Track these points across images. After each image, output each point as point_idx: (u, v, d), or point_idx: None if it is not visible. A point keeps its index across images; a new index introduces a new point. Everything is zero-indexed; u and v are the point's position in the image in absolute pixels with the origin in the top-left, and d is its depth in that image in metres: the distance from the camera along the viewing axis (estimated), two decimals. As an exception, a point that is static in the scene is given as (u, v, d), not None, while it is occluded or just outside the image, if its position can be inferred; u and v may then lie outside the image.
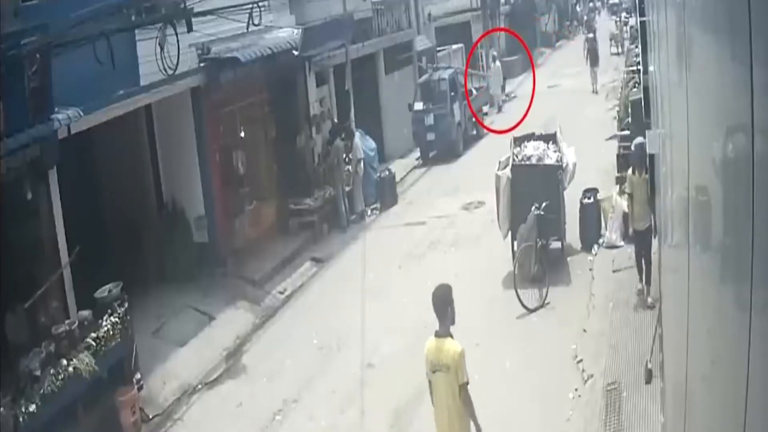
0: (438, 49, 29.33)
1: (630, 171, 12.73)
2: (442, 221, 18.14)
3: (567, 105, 26.82)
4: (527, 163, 14.46)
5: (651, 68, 7.58)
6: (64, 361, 10.04)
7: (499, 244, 14.64)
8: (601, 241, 15.08)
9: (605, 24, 48.91)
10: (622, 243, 14.77)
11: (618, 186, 16.65)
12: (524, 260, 13.54)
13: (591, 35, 35.44)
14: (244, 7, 12.90)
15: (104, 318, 10.89)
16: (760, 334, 2.52)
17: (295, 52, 16.88)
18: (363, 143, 19.70)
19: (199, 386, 12.06)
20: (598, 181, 17.15)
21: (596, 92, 30.88)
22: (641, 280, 12.38)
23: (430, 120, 23.83)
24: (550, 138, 15.41)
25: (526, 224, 13.58)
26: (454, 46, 30.47)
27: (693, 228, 4.06)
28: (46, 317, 10.81)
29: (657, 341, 9.49)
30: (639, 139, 11.96)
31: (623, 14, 43.24)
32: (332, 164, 18.56)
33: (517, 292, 12.91)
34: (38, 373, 9.70)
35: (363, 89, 22.29)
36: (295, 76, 18.71)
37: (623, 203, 15.00)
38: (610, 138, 21.27)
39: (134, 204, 14.90)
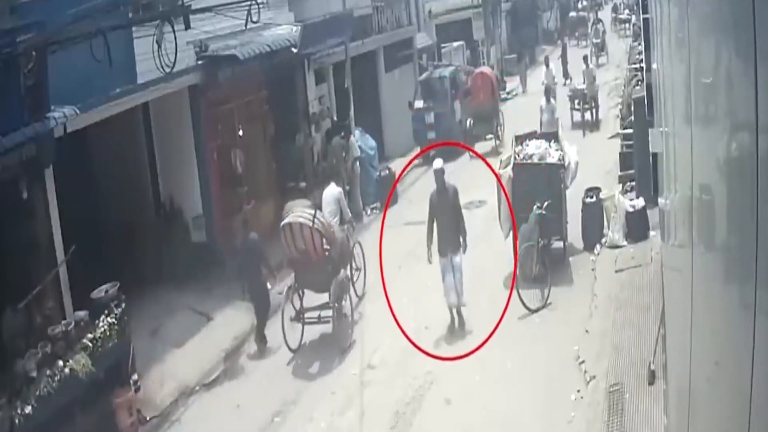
0: (441, 46, 29.24)
1: None
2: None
3: (568, 103, 26.63)
4: (529, 161, 14.35)
5: (654, 66, 7.50)
6: (60, 362, 9.95)
7: (501, 243, 14.53)
8: (603, 240, 14.97)
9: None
10: (624, 243, 14.66)
11: (621, 185, 16.58)
12: (526, 260, 13.43)
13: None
14: (243, 4, 12.77)
15: (101, 318, 10.81)
16: (764, 334, 2.53)
17: (294, 50, 16.80)
18: (363, 142, 19.59)
19: (197, 387, 11.98)
20: (601, 180, 17.04)
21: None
22: None
23: (430, 118, 23.68)
24: (551, 136, 15.30)
25: (527, 224, 13.47)
26: (455, 44, 30.35)
27: (696, 227, 4.02)
28: (42, 318, 10.74)
29: (660, 342, 9.40)
30: None
31: (626, 11, 42.46)
32: (332, 163, 18.45)
33: (518, 292, 12.81)
34: (34, 374, 9.62)
35: (363, 87, 22.19)
36: (294, 73, 18.63)
37: (626, 202, 14.91)
38: (613, 136, 21.17)
39: (131, 203, 14.82)
